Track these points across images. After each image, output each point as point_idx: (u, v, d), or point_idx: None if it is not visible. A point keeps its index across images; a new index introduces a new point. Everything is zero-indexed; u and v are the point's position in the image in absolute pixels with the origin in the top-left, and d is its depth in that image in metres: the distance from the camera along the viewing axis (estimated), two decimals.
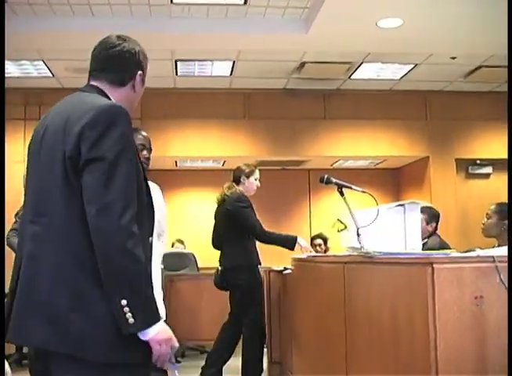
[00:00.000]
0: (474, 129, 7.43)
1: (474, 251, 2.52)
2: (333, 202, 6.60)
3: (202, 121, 7.14)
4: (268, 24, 5.36)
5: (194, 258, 6.11)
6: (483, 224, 3.71)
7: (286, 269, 4.25)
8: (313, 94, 7.24)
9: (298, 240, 4.21)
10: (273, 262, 4.61)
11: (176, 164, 7.75)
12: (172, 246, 6.72)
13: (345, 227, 3.10)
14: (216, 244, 4.48)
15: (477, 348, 1.87)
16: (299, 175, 8.07)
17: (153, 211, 1.79)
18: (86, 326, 1.53)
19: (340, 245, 3.38)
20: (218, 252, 4.46)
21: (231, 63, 6.39)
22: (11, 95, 5.45)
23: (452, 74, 6.83)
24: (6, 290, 1.81)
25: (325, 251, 6.12)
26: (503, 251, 2.08)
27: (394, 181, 8.24)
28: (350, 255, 2.73)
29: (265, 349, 4.48)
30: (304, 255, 3.93)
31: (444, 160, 7.38)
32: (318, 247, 6.09)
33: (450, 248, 3.52)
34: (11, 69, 6.23)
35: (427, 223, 4.24)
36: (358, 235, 2.65)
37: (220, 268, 4.35)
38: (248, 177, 4.34)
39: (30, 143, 1.77)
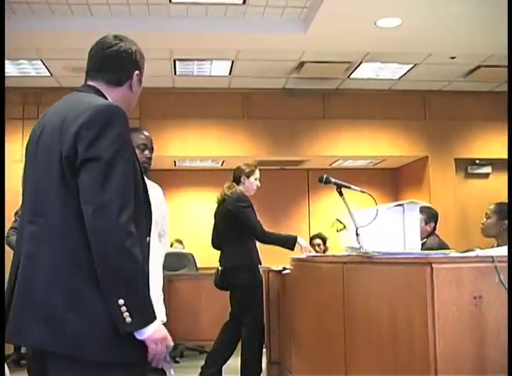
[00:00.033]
0: (474, 129, 7.43)
1: (473, 251, 2.51)
2: (332, 202, 6.60)
3: (201, 120, 7.13)
4: (267, 24, 5.36)
5: (193, 258, 6.11)
6: (482, 224, 3.71)
7: (285, 269, 4.24)
8: (312, 94, 7.24)
9: (298, 240, 4.21)
10: (272, 261, 4.61)
11: (175, 164, 7.74)
12: (171, 246, 6.71)
13: (344, 227, 3.09)
14: (216, 243, 4.48)
15: (476, 348, 1.87)
16: (298, 175, 8.07)
17: (151, 211, 1.79)
18: (83, 325, 1.54)
19: (339, 245, 3.38)
20: (217, 252, 4.45)
21: (230, 63, 6.39)
22: (9, 95, 5.43)
23: (452, 73, 6.82)
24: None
25: (324, 251, 6.12)
26: (503, 251, 2.08)
27: (393, 181, 8.24)
28: (349, 255, 2.73)
29: (264, 349, 4.47)
30: (303, 255, 3.93)
31: (443, 159, 7.38)
32: (317, 247, 6.09)
33: (449, 248, 3.52)
34: (9, 68, 6.23)
35: (426, 223, 4.24)
36: (357, 235, 2.65)
37: (220, 268, 4.34)
38: (248, 177, 4.33)
39: (27, 143, 1.77)
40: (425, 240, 4.16)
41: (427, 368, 1.86)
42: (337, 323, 2.73)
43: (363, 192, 2.91)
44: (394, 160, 7.76)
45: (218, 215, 4.43)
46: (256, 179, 4.37)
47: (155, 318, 1.60)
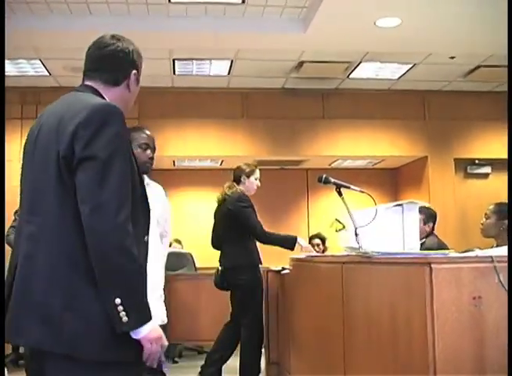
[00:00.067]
0: (473, 129, 7.42)
1: (472, 251, 2.51)
2: (332, 202, 6.60)
3: (200, 120, 7.12)
4: (267, 23, 5.35)
5: (192, 257, 6.10)
6: (482, 224, 3.70)
7: (284, 269, 4.24)
8: (312, 93, 7.23)
9: (298, 240, 4.20)
10: (271, 261, 4.60)
11: (174, 164, 7.73)
12: (170, 246, 6.70)
13: (343, 227, 3.09)
14: (215, 243, 4.47)
15: (476, 349, 1.87)
16: (297, 175, 8.06)
17: (149, 210, 1.80)
18: (80, 325, 1.54)
19: (339, 245, 3.37)
20: (216, 252, 4.44)
21: (229, 63, 6.38)
22: (8, 94, 5.38)
23: (451, 73, 6.82)
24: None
25: (323, 251, 6.11)
26: (502, 251, 2.07)
27: (392, 181, 8.23)
28: (348, 255, 2.72)
29: (263, 350, 4.47)
30: (302, 255, 3.93)
31: (442, 159, 7.37)
32: (316, 247, 6.08)
33: (448, 248, 3.52)
34: (8, 68, 6.22)
35: (425, 223, 4.24)
36: (356, 235, 2.65)
37: (220, 268, 4.33)
38: (249, 176, 4.33)
39: (25, 143, 1.78)
40: (424, 240, 4.15)
41: (427, 368, 1.86)
42: (336, 324, 2.73)
43: (362, 192, 2.91)
44: (393, 160, 7.75)
45: (218, 215, 4.42)
46: (256, 179, 4.36)
47: (151, 317, 1.60)
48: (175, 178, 7.74)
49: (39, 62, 6.18)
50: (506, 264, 1.88)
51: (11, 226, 4.57)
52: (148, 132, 3.07)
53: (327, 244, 6.23)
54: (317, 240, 6.22)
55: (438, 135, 7.38)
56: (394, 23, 5.13)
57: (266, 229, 4.27)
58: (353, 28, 5.21)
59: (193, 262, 6.09)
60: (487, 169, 7.65)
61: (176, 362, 5.56)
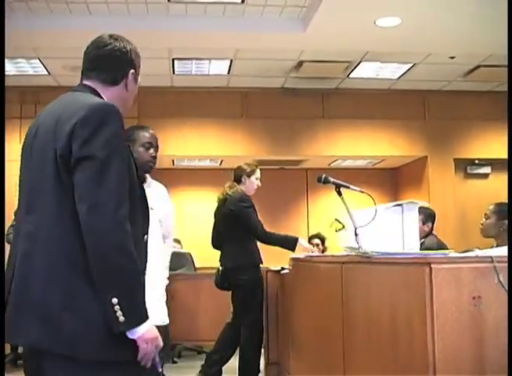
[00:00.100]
0: (473, 129, 7.41)
1: (472, 251, 2.50)
2: (331, 202, 6.59)
3: (199, 119, 7.12)
4: (266, 23, 5.34)
5: (191, 257, 6.09)
6: (481, 224, 3.70)
7: (283, 268, 4.24)
8: (311, 93, 7.23)
9: (300, 240, 4.20)
10: (271, 261, 4.59)
11: (173, 163, 7.73)
12: None
13: (343, 227, 3.09)
14: (216, 243, 4.46)
15: (476, 349, 1.86)
16: (297, 175, 8.05)
17: (148, 209, 1.80)
18: (78, 325, 1.54)
19: (338, 245, 3.37)
20: (216, 252, 4.44)
21: (228, 62, 6.37)
22: (7, 94, 5.38)
23: (451, 73, 6.81)
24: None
25: (322, 251, 6.10)
26: (502, 251, 2.07)
27: (392, 181, 8.23)
28: (348, 255, 2.72)
29: (263, 350, 4.46)
30: (302, 255, 3.92)
31: (442, 159, 7.37)
32: (315, 247, 6.07)
33: (448, 248, 3.51)
34: (7, 67, 6.21)
35: (423, 223, 4.23)
36: (356, 235, 2.65)
37: (221, 268, 4.33)
38: (249, 176, 4.33)
39: (23, 143, 1.78)
40: (423, 240, 4.15)
41: (426, 368, 1.86)
42: (335, 324, 2.72)
43: (362, 192, 2.91)
44: (393, 160, 7.75)
45: (218, 215, 4.42)
46: (257, 179, 4.36)
47: (147, 318, 1.60)
48: (174, 177, 7.72)
49: (38, 61, 6.18)
50: (506, 264, 1.88)
51: (11, 225, 4.57)
52: (151, 131, 3.07)
53: (327, 243, 6.21)
54: (317, 240, 6.21)
55: (438, 135, 7.38)
56: (395, 23, 5.12)
57: (267, 229, 4.26)
58: (353, 28, 5.20)
59: (193, 261, 6.09)
60: (487, 169, 7.64)
61: (175, 362, 5.55)
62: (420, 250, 3.06)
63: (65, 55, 5.86)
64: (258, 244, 4.31)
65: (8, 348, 5.20)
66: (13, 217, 4.54)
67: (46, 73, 6.49)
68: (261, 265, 4.33)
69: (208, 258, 4.72)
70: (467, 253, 2.24)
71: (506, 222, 3.50)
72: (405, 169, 8.05)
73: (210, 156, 7.42)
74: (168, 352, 5.11)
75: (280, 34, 5.42)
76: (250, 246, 4.26)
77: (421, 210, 4.09)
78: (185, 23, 5.29)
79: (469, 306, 1.87)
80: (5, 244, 4.49)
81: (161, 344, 1.65)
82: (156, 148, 3.05)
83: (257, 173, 4.37)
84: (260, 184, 4.38)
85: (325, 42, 5.58)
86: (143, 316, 1.59)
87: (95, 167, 1.55)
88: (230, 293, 4.35)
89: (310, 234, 6.67)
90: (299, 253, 4.10)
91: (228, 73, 6.71)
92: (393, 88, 7.33)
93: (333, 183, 3.04)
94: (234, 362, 4.34)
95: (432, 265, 1.87)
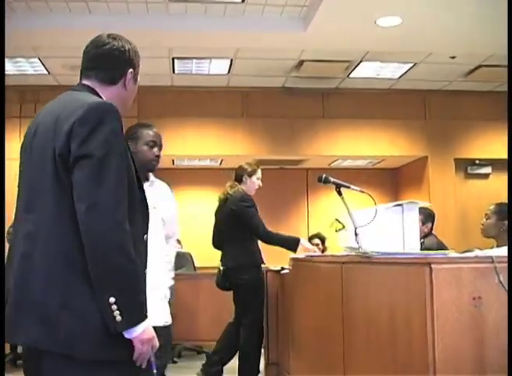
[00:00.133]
0: (474, 129, 7.41)
1: (472, 251, 2.50)
2: (331, 202, 6.58)
3: (199, 119, 7.11)
4: (267, 22, 5.34)
5: (191, 257, 6.09)
6: (482, 224, 3.69)
7: (283, 268, 4.23)
8: (312, 93, 7.22)
9: (301, 241, 4.19)
10: (271, 261, 4.59)
11: (173, 163, 7.72)
12: None
13: (343, 227, 3.08)
14: (216, 243, 4.45)
15: (476, 349, 1.86)
16: (297, 175, 8.05)
17: (147, 208, 1.79)
18: (77, 325, 1.54)
19: (338, 245, 3.36)
20: (215, 251, 4.43)
21: (229, 61, 6.37)
22: (7, 93, 5.38)
23: (452, 73, 6.81)
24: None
25: (323, 251, 6.09)
26: (502, 251, 2.07)
27: (392, 181, 8.22)
28: (348, 255, 2.71)
29: (262, 350, 4.46)
30: (302, 255, 3.91)
31: (443, 159, 7.36)
32: (315, 247, 6.07)
33: (447, 248, 3.51)
34: (7, 66, 6.20)
35: (423, 223, 4.23)
36: (356, 235, 2.64)
37: (222, 268, 4.32)
38: (250, 176, 4.33)
39: (22, 142, 1.78)
40: (423, 240, 4.14)
41: (426, 368, 1.85)
42: (335, 324, 2.72)
43: (362, 192, 2.90)
44: (393, 160, 7.74)
45: (219, 214, 4.41)
46: (258, 179, 4.36)
47: (145, 318, 1.60)
48: (174, 177, 7.68)
49: (38, 60, 6.17)
50: (506, 264, 1.88)
51: (11, 226, 4.55)
52: (155, 129, 3.05)
53: (327, 243, 6.21)
54: (317, 240, 6.20)
55: (439, 134, 7.37)
56: (395, 23, 5.11)
57: (269, 229, 4.25)
58: (353, 27, 5.20)
59: (192, 261, 6.08)
60: (487, 169, 7.64)
61: (175, 362, 5.55)
62: (420, 250, 3.05)
63: (65, 54, 5.85)
64: (260, 243, 4.30)
65: (8, 348, 5.20)
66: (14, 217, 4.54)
67: (46, 72, 6.49)
68: (262, 266, 4.32)
69: (208, 258, 4.72)
70: (467, 253, 2.24)
71: (507, 222, 3.50)
72: (405, 169, 8.04)
73: (211, 155, 7.41)
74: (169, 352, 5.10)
75: (281, 34, 5.42)
76: (252, 246, 4.25)
77: (421, 210, 4.08)
78: (185, 23, 5.28)
79: (469, 307, 1.86)
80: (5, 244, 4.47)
81: (157, 344, 1.65)
82: (160, 147, 3.04)
83: (259, 173, 4.36)
84: (261, 184, 4.37)
85: (325, 42, 5.57)
86: (141, 317, 1.59)
87: (94, 166, 1.55)
88: (230, 293, 4.35)
89: (310, 234, 6.67)
90: (301, 253, 4.09)
91: (229, 72, 6.71)
92: (393, 87, 7.32)
93: (334, 183, 3.03)
94: (234, 362, 4.33)
95: (432, 266, 1.87)
